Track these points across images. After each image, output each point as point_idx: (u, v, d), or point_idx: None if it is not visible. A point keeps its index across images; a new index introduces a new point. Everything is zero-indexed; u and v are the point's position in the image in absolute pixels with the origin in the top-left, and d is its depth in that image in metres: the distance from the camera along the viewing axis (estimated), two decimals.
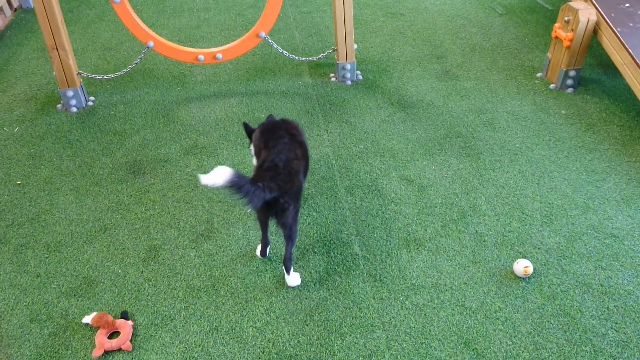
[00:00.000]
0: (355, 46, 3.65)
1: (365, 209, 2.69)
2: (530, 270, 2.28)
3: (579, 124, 3.25)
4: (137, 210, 2.72)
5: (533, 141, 3.12)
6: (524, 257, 2.39)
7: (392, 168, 2.96)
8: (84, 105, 3.56)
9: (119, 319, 2.15)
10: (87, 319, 2.15)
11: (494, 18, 4.59)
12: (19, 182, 2.93)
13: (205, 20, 4.72)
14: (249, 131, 2.54)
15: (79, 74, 3.50)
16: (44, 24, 3.22)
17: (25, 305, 2.26)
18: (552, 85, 3.62)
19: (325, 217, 2.65)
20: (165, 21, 4.68)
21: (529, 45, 4.14)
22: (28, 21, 4.79)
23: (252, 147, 2.53)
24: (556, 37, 3.49)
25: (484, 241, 2.49)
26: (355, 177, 2.90)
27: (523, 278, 2.30)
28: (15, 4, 5.01)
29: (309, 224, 2.62)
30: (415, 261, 2.41)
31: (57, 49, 3.31)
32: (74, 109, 3.51)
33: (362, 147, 3.13)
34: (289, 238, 2.22)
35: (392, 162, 3.00)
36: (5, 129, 3.37)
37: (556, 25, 3.49)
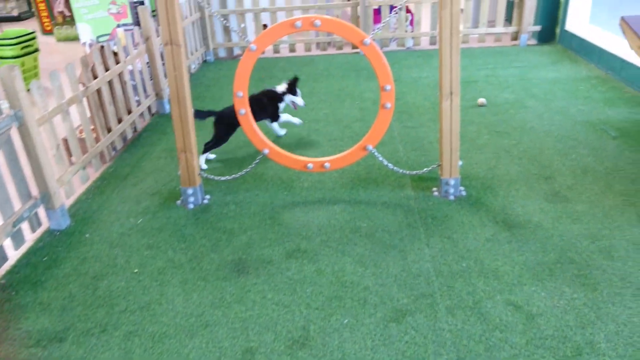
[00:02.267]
0: (460, 162, 3.69)
1: (467, 333, 2.55)
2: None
3: None
4: (237, 309, 2.80)
5: None
6: None
7: (497, 291, 2.81)
8: (200, 203, 3.86)
9: None
10: None
11: (607, 141, 4.45)
12: (135, 271, 3.17)
13: (315, 130, 5.06)
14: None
15: (200, 174, 3.85)
16: (178, 130, 3.65)
17: None
18: None
19: (424, 337, 2.54)
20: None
21: None
22: (162, 125, 5.45)
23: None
24: None
25: None
26: (457, 297, 2.79)
27: None
28: (153, 110, 5.76)
29: (407, 342, 2.52)
30: None
31: (185, 152, 3.71)
32: (191, 206, 3.83)
33: (464, 265, 3.03)
34: None
35: (496, 284, 2.87)
36: (131, 219, 3.73)
37: None
